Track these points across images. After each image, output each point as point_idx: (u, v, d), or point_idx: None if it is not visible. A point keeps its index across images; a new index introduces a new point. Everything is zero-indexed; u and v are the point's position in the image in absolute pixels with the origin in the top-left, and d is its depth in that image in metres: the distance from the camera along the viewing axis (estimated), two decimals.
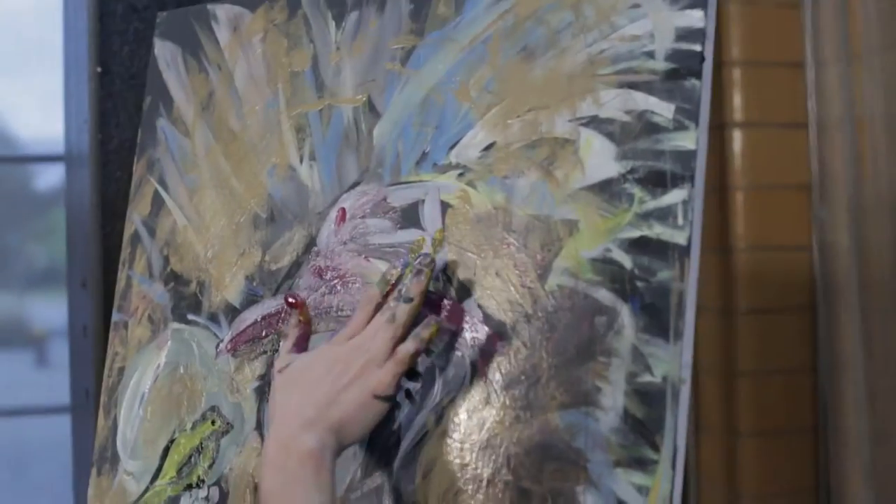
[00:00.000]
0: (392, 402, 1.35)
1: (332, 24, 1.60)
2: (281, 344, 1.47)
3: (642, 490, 1.22)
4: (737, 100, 2.94)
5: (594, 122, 1.33)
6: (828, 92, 2.91)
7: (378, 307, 1.39)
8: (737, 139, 2.94)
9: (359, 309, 1.40)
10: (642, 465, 1.23)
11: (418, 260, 1.37)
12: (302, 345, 1.45)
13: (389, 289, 1.39)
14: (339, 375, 1.33)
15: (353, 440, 1.34)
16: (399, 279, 1.40)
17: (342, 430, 1.32)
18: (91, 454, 1.75)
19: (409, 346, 1.34)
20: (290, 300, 1.45)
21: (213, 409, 1.59)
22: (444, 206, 1.42)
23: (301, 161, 1.59)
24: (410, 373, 1.39)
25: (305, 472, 1.28)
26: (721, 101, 2.95)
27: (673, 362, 1.23)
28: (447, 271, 1.40)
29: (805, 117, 2.96)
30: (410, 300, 1.36)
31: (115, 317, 1.76)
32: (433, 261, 1.37)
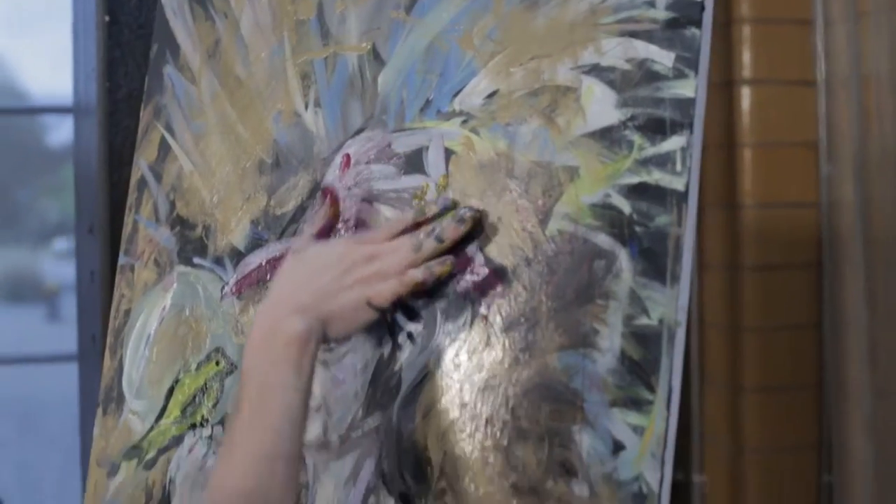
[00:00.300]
0: (382, 313, 1.39)
1: None
2: (305, 226, 1.51)
3: (637, 430, 1.24)
4: (745, 57, 2.95)
5: (595, 70, 1.34)
6: (835, 50, 2.92)
7: (404, 231, 1.42)
8: (745, 96, 2.95)
9: (386, 225, 1.44)
10: (638, 405, 1.25)
11: (464, 210, 1.39)
12: (324, 235, 1.50)
13: (423, 220, 1.42)
14: (345, 273, 1.37)
15: (337, 336, 1.39)
16: (435, 217, 1.41)
17: (330, 323, 1.37)
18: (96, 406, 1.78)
19: (419, 274, 1.38)
20: (326, 190, 1.50)
21: (217, 350, 1.61)
22: (448, 153, 1.44)
23: (306, 107, 1.61)
24: (411, 314, 1.41)
25: (289, 354, 1.32)
26: (730, 57, 2.96)
27: (669, 306, 1.25)
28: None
29: (813, 75, 2.97)
30: (442, 241, 1.38)
31: (121, 260, 1.79)
32: (478, 214, 1.39)
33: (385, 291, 1.38)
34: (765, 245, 2.95)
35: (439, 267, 1.38)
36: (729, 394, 2.98)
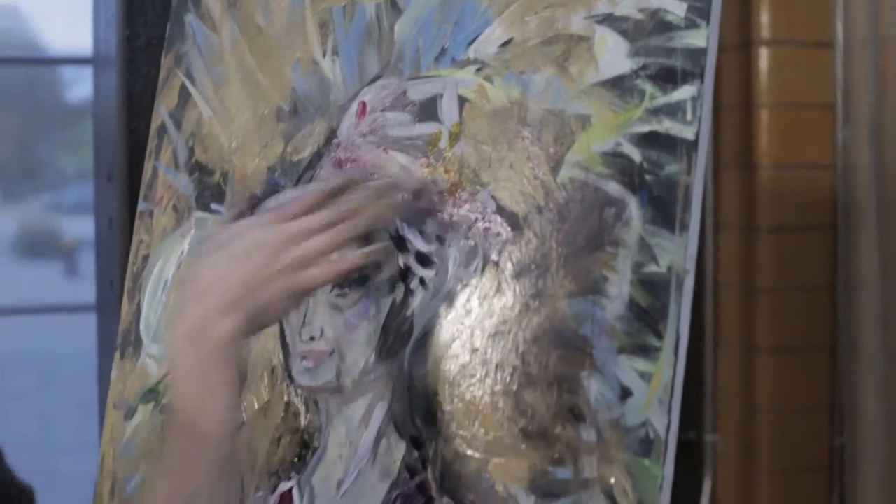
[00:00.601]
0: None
1: None
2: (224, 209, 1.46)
3: (645, 376, 1.26)
4: (764, 17, 2.95)
5: (609, 20, 1.35)
6: (853, 12, 2.92)
7: (315, 207, 1.37)
8: (763, 57, 2.95)
9: (296, 200, 1.38)
10: (645, 351, 1.26)
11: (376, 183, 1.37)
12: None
13: (329, 194, 1.38)
14: (269, 262, 1.29)
15: (268, 326, 1.35)
16: (337, 192, 1.39)
17: (261, 315, 1.30)
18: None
19: (356, 258, 1.36)
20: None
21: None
22: (462, 101, 1.46)
23: (324, 56, 1.62)
24: (425, 260, 1.43)
25: (217, 358, 1.25)
26: (748, 18, 2.96)
27: (678, 253, 1.26)
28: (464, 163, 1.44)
29: (831, 36, 2.97)
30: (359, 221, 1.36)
31: (140, 206, 1.81)
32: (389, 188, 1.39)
33: (315, 278, 1.32)
34: (780, 206, 2.96)
35: (373, 250, 1.38)
36: (742, 354, 2.99)
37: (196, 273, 1.31)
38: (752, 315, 2.96)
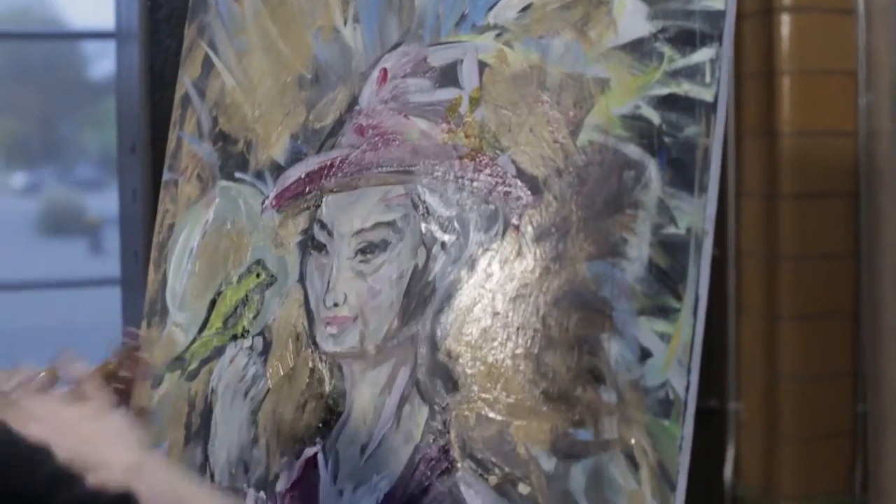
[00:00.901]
0: None
1: None
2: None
3: (664, 337, 1.27)
4: None
5: None
6: None
7: None
8: (785, 24, 2.94)
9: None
10: (665, 313, 1.27)
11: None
12: None
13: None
14: None
15: None
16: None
17: None
18: (139, 327, 1.82)
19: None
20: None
21: (258, 262, 1.65)
22: (482, 66, 1.46)
23: (345, 23, 1.63)
24: (446, 227, 1.44)
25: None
26: None
27: (697, 215, 1.27)
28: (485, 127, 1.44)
29: (852, 3, 2.95)
30: None
31: (165, 175, 1.82)
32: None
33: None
34: (802, 173, 2.95)
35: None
36: (765, 322, 2.99)
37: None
38: (774, 283, 2.96)
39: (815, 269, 2.98)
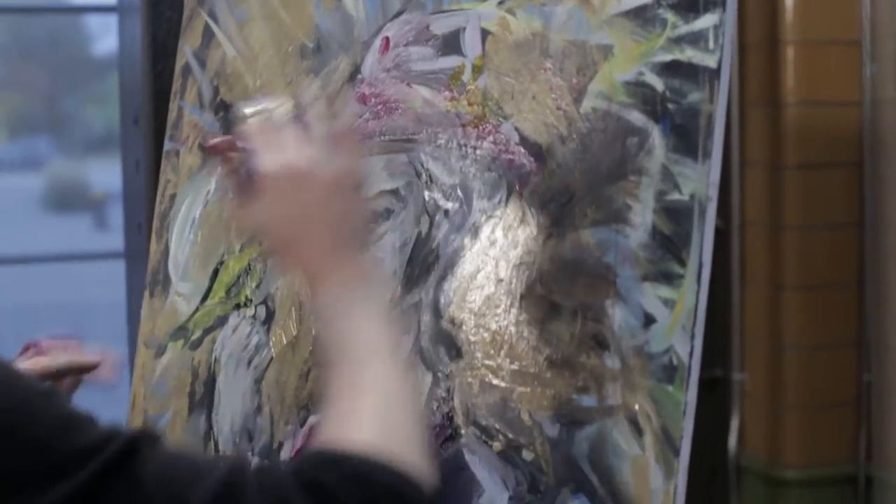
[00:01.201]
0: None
1: None
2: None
3: (668, 303, 1.27)
4: None
5: None
6: None
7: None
8: None
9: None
10: (669, 279, 1.27)
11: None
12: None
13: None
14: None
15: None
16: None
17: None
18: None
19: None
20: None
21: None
22: (484, 33, 1.46)
23: None
24: (449, 195, 1.44)
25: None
26: None
27: (701, 181, 1.26)
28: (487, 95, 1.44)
29: None
30: None
31: (166, 146, 1.82)
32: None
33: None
34: (806, 143, 2.95)
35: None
36: (769, 292, 2.99)
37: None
38: (778, 253, 2.96)
39: (819, 239, 2.98)
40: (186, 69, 1.82)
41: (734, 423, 3.06)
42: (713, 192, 1.27)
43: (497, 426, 1.36)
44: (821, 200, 2.97)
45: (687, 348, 1.25)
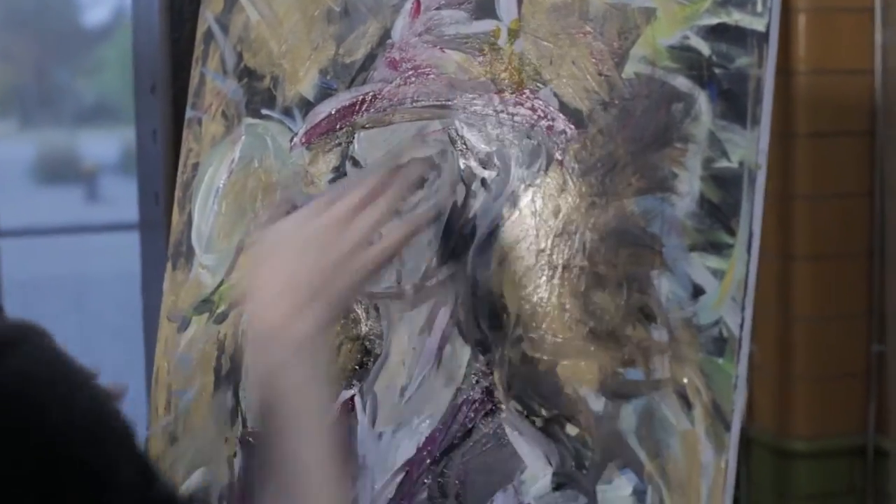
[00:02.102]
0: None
1: None
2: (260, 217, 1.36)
3: (717, 273, 1.24)
4: None
5: None
6: None
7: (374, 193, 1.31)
8: None
9: (357, 185, 1.32)
10: (717, 249, 1.24)
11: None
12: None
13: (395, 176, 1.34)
14: (324, 253, 1.25)
15: (344, 313, 1.39)
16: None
17: (335, 308, 1.25)
18: (161, 271, 1.78)
19: (406, 226, 1.34)
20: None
21: (287, 201, 1.60)
22: None
23: None
24: (486, 163, 1.41)
25: (300, 358, 1.19)
26: None
27: (750, 148, 1.23)
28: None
29: None
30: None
31: (188, 114, 1.78)
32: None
33: (378, 255, 1.28)
34: (817, 112, 2.92)
35: (423, 215, 1.37)
36: (779, 262, 2.97)
37: (258, 281, 1.23)
38: (788, 223, 2.94)
39: (829, 209, 2.97)
40: (208, 35, 1.77)
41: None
42: (763, 160, 1.23)
43: (539, 400, 1.33)
44: (831, 169, 2.95)
45: (737, 320, 1.22)
